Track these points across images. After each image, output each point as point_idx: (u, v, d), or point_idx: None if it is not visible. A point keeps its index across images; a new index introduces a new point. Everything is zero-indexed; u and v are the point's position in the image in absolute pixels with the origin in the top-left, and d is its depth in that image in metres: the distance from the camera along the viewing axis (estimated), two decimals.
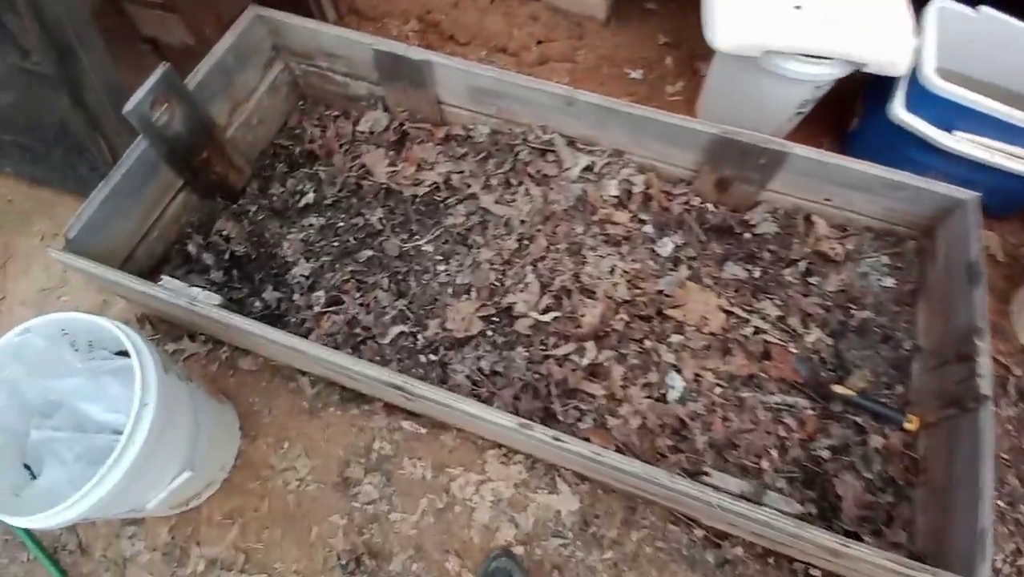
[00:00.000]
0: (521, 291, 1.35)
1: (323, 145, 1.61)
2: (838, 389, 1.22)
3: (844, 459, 1.18)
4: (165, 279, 1.17)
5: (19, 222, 1.65)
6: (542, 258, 1.39)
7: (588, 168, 1.45)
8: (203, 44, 1.45)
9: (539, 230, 1.41)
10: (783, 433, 1.22)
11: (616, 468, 0.97)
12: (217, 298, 1.16)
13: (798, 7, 1.32)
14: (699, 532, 1.21)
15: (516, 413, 1.23)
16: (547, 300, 1.34)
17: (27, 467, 1.04)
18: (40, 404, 1.02)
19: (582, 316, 1.29)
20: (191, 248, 1.44)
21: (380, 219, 1.47)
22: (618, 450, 1.13)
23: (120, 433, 0.89)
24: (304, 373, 1.38)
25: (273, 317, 1.36)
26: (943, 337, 1.19)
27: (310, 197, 1.53)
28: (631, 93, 1.76)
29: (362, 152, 1.57)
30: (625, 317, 1.29)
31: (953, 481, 1.03)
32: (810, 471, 1.18)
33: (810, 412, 1.24)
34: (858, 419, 1.22)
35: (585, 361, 1.26)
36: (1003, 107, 1.23)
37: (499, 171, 1.49)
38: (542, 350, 1.31)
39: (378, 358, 1.28)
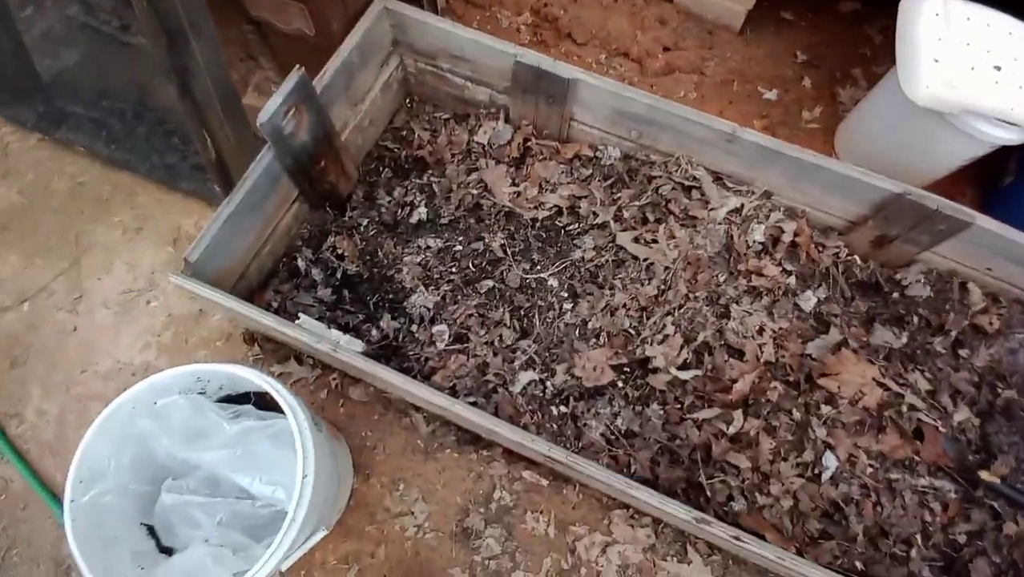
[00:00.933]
0: (660, 343, 1.26)
1: (433, 152, 1.48)
2: (985, 476, 1.16)
3: (977, 544, 1.14)
4: (304, 319, 1.07)
5: (96, 209, 1.52)
6: (681, 307, 1.29)
7: (736, 210, 1.34)
8: (323, 36, 1.30)
9: (680, 276, 1.31)
10: (927, 518, 1.16)
11: (780, 562, 0.92)
12: (359, 344, 1.07)
13: (998, 67, 1.19)
14: None
15: (655, 479, 1.17)
16: (687, 355, 1.26)
17: (148, 527, 0.96)
18: (173, 464, 0.93)
19: (732, 381, 1.21)
20: (300, 263, 1.33)
21: (501, 245, 1.37)
22: (773, 529, 1.07)
23: (261, 495, 0.82)
24: (418, 409, 1.30)
25: (391, 349, 1.27)
26: None
27: (423, 212, 1.41)
28: (764, 115, 1.62)
29: (480, 167, 1.44)
30: (779, 387, 1.21)
31: None
32: (948, 556, 1.14)
33: (953, 495, 1.18)
34: (995, 504, 1.17)
35: (732, 430, 1.19)
36: None
37: (634, 203, 1.37)
38: (678, 410, 1.23)
39: (512, 409, 1.20)
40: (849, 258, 1.36)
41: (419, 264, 1.35)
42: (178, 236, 1.46)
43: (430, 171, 1.46)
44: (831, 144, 1.60)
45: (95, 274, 1.44)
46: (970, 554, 1.14)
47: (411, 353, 1.26)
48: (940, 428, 1.22)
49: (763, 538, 0.96)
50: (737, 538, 0.92)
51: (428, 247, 1.37)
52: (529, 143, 1.45)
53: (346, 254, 1.34)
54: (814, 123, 1.62)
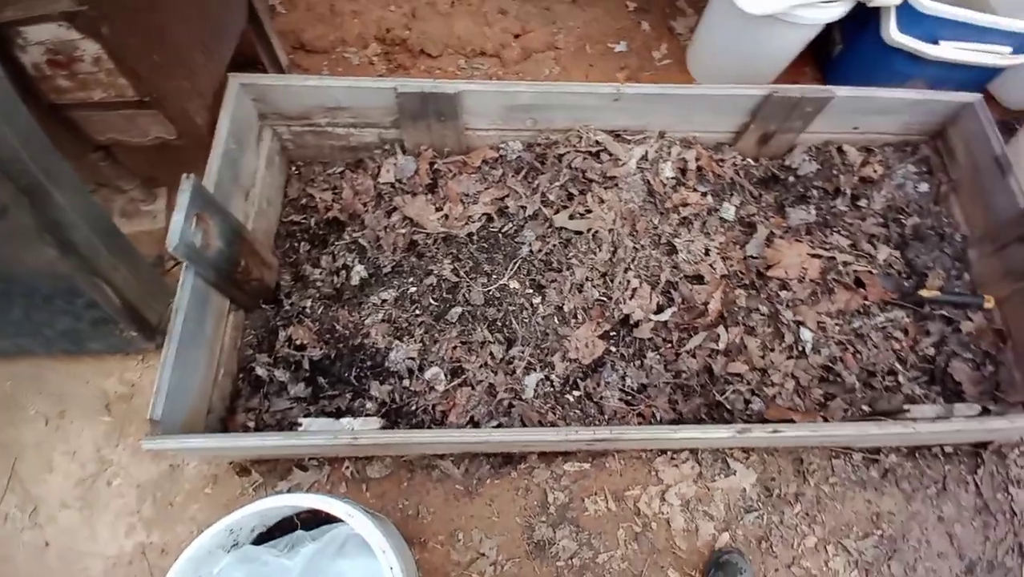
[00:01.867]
0: (631, 298, 1.33)
1: (344, 208, 1.43)
2: (926, 293, 1.37)
3: (946, 348, 1.35)
4: (306, 421, 1.00)
5: (5, 410, 1.30)
6: (635, 260, 1.38)
7: (643, 157, 1.44)
8: (187, 135, 1.20)
9: (622, 233, 1.39)
10: (896, 347, 1.35)
11: (815, 434, 1.04)
12: (376, 421, 1.02)
13: None
14: (856, 456, 1.33)
15: (680, 415, 1.25)
16: (658, 299, 1.34)
17: None
18: None
19: (704, 304, 1.31)
20: (260, 371, 1.24)
21: (452, 270, 1.36)
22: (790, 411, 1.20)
23: None
24: (443, 456, 1.28)
25: (395, 412, 1.23)
26: (989, 224, 1.37)
27: (361, 270, 1.36)
28: (623, 67, 1.75)
29: (398, 204, 1.42)
30: (741, 292, 1.34)
31: None
32: (928, 369, 1.34)
33: (907, 320, 1.38)
34: (944, 312, 1.39)
35: (721, 345, 1.30)
36: (981, 15, 1.40)
37: (555, 185, 1.43)
38: (671, 348, 1.32)
39: (535, 414, 1.22)
40: (744, 163, 1.52)
41: (383, 320, 1.31)
42: (108, 401, 1.29)
43: (349, 228, 1.42)
44: (687, 72, 1.76)
45: (38, 478, 1.24)
46: (944, 360, 1.34)
47: (416, 407, 1.23)
48: (872, 271, 1.42)
49: (793, 422, 1.07)
50: (775, 431, 1.02)
51: (384, 300, 1.33)
52: (435, 165, 1.45)
53: (305, 342, 1.27)
54: (666, 59, 1.77)
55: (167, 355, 1.00)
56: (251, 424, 1.21)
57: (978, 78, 1.63)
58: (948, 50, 1.47)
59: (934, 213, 1.49)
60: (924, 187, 1.51)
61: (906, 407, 1.07)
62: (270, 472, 1.25)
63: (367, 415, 1.21)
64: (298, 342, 1.26)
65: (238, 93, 1.23)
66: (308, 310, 1.32)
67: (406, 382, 1.25)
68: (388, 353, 1.27)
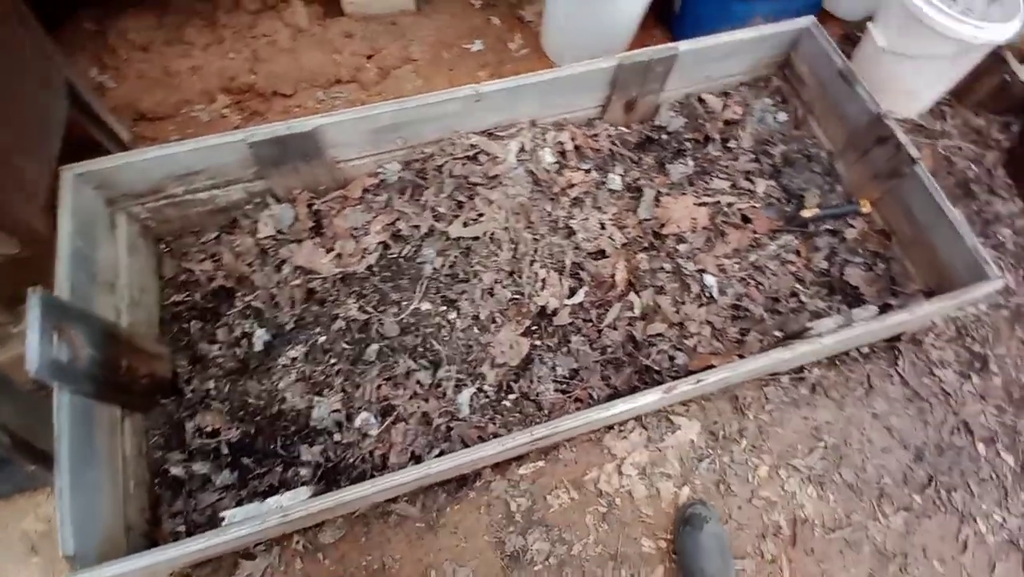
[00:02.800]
0: (543, 289, 1.33)
1: (228, 275, 1.35)
2: (806, 213, 1.45)
3: (838, 258, 1.44)
4: (229, 514, 0.93)
5: None
6: (536, 250, 1.38)
7: (521, 150, 1.44)
8: (30, 242, 1.09)
9: (518, 228, 1.38)
10: (792, 268, 1.43)
11: (737, 371, 1.08)
12: (304, 490, 0.97)
13: None
14: (784, 379, 1.40)
15: (616, 389, 1.27)
16: (567, 282, 1.35)
17: None
18: None
19: (611, 277, 1.34)
20: (175, 470, 1.15)
21: (359, 308, 1.32)
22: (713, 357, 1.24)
23: None
24: (395, 500, 1.23)
25: (333, 470, 1.17)
26: (848, 135, 1.47)
27: (262, 334, 1.29)
28: (483, 65, 1.74)
29: (285, 256, 1.35)
30: (642, 256, 1.37)
31: (923, 227, 1.33)
32: (825, 282, 1.42)
33: (797, 242, 1.46)
34: (828, 226, 1.48)
35: (637, 311, 1.32)
36: None
37: (441, 196, 1.40)
38: (592, 327, 1.33)
39: (475, 430, 1.20)
40: (618, 132, 1.56)
41: (297, 380, 1.24)
42: (33, 542, 1.17)
43: (239, 293, 1.34)
44: (545, 56, 1.78)
45: None
46: (838, 270, 1.42)
47: (353, 459, 1.18)
48: (755, 205, 1.49)
49: (713, 367, 1.10)
50: (698, 380, 1.05)
51: (294, 359, 1.26)
52: (314, 206, 1.39)
53: (217, 427, 1.19)
54: (523, 49, 1.78)
55: (61, 487, 0.90)
56: (181, 529, 1.12)
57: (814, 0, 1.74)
58: None
59: (797, 137, 1.58)
60: (783, 116, 1.60)
61: (809, 325, 1.12)
62: (215, 571, 1.16)
63: (303, 483, 1.15)
64: (209, 429, 1.18)
65: (75, 185, 1.13)
66: (213, 392, 1.23)
67: (337, 436, 1.20)
68: (310, 412, 1.21)
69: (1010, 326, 1.53)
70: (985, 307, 1.55)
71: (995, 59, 1.76)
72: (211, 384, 1.24)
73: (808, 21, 1.46)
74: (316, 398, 1.22)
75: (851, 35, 1.93)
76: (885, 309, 1.36)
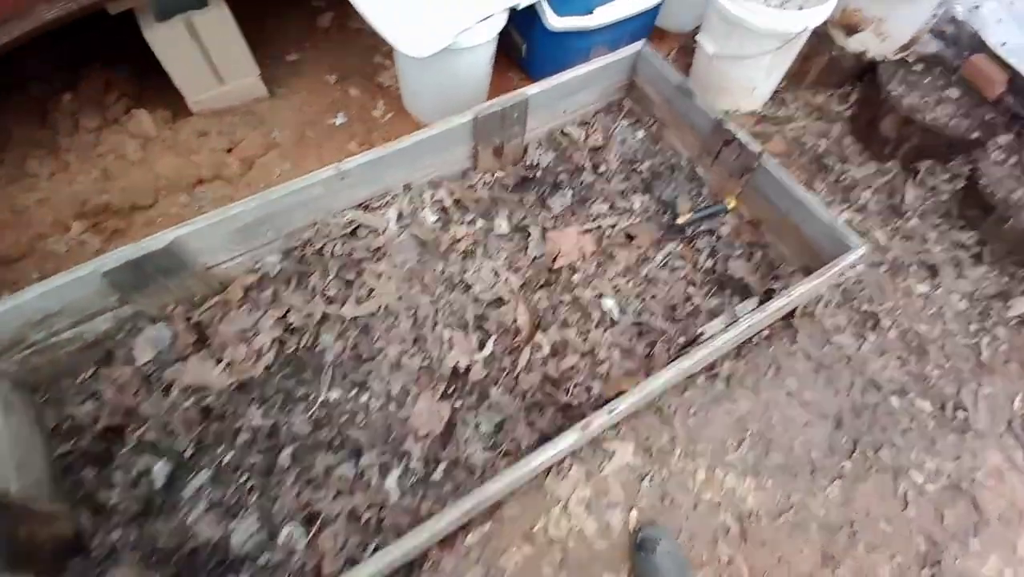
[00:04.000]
0: (451, 349, 1.32)
1: (113, 412, 1.25)
2: (681, 220, 1.53)
3: (719, 255, 1.52)
4: None
5: None
6: (437, 312, 1.37)
7: (400, 216, 1.44)
8: None
9: (413, 294, 1.37)
10: (681, 274, 1.50)
11: (648, 389, 1.11)
12: None
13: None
14: (700, 379, 1.44)
15: (542, 433, 1.27)
16: (474, 336, 1.35)
17: None
18: None
19: (515, 322, 1.34)
20: None
21: (262, 414, 1.25)
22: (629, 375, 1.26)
23: None
24: None
25: None
26: (700, 141, 1.57)
27: (161, 468, 1.20)
28: (351, 137, 1.74)
29: (172, 379, 1.27)
30: (541, 294, 1.39)
31: (784, 212, 1.43)
32: (714, 280, 1.50)
33: (679, 248, 1.54)
34: (703, 227, 1.56)
35: (547, 350, 1.33)
36: None
37: (328, 279, 1.37)
38: (507, 376, 1.33)
39: (407, 515, 1.15)
40: (493, 178, 1.59)
41: (207, 509, 1.15)
42: None
43: (128, 428, 1.24)
44: (411, 117, 1.80)
45: None
46: (722, 266, 1.49)
47: None
48: (635, 221, 1.56)
49: (623, 392, 1.12)
50: (610, 411, 1.07)
51: (199, 487, 1.17)
52: (192, 319, 1.32)
53: None
54: (387, 113, 1.80)
55: None
56: None
57: (646, 21, 1.86)
58: (602, 15, 1.67)
59: (658, 151, 1.68)
60: (640, 134, 1.69)
61: (701, 330, 1.17)
62: None
63: None
64: None
65: None
66: (119, 543, 1.12)
67: (262, 559, 1.12)
68: (229, 540, 1.13)
69: (891, 280, 1.65)
70: (863, 267, 1.67)
71: (820, 38, 1.93)
72: (117, 534, 1.13)
73: (639, 46, 1.57)
74: (232, 522, 1.14)
75: (687, 46, 2.09)
76: (770, 293, 1.44)
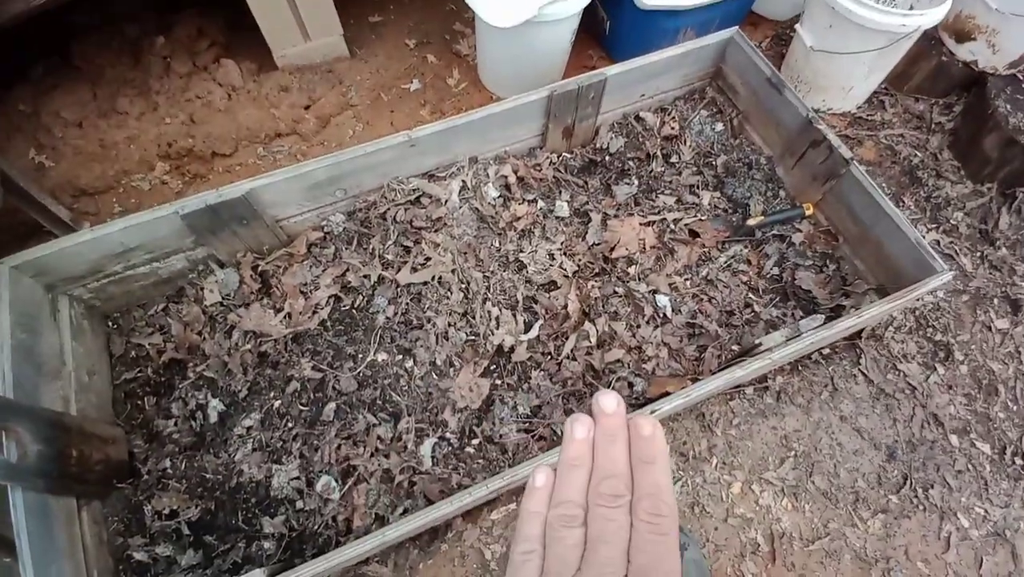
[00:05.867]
0: (497, 327, 1.32)
1: (178, 346, 1.33)
2: (752, 222, 1.45)
3: (788, 263, 1.44)
4: None
5: None
6: (488, 288, 1.37)
7: (463, 188, 1.43)
8: None
9: (467, 268, 1.38)
10: (744, 278, 1.43)
11: (690, 397, 1.07)
12: (260, 573, 0.94)
13: None
14: (748, 391, 1.39)
15: None
16: (521, 318, 1.34)
17: None
18: None
19: (564, 308, 1.33)
20: (139, 555, 1.12)
21: (313, 367, 1.30)
22: (672, 376, 1.23)
23: None
24: (367, 561, 1.21)
25: (297, 539, 1.15)
26: (784, 140, 1.48)
27: (216, 404, 1.27)
28: (423, 103, 1.74)
29: (234, 321, 1.33)
30: (594, 283, 1.37)
31: (866, 225, 1.33)
32: (778, 289, 1.42)
33: (746, 251, 1.47)
34: (775, 232, 1.48)
35: (593, 340, 1.31)
36: None
37: (388, 244, 1.39)
38: (551, 360, 1.32)
39: (438, 483, 1.18)
40: (561, 159, 1.56)
41: (254, 449, 1.22)
42: None
43: (190, 364, 1.32)
44: (484, 89, 1.78)
45: None
46: (789, 275, 1.42)
47: (317, 527, 1.16)
48: (702, 218, 1.49)
49: (668, 394, 1.10)
50: (653, 411, 1.04)
51: (249, 428, 1.24)
52: (259, 267, 1.38)
53: (175, 507, 1.16)
54: (461, 83, 1.79)
55: None
56: None
57: (741, 5, 1.76)
58: None
59: (736, 146, 1.59)
60: (719, 126, 1.61)
61: (758, 341, 1.12)
62: None
63: (267, 556, 1.12)
64: (167, 510, 1.15)
65: (12, 277, 1.11)
66: (170, 470, 1.21)
67: (299, 504, 1.18)
68: (270, 482, 1.19)
69: (971, 311, 1.54)
70: (943, 294, 1.55)
71: (929, 41, 1.78)
72: (167, 462, 1.22)
73: (732, 32, 1.47)
74: (274, 467, 1.20)
75: (783, 35, 1.95)
76: (838, 310, 1.36)
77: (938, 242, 1.63)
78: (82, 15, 1.63)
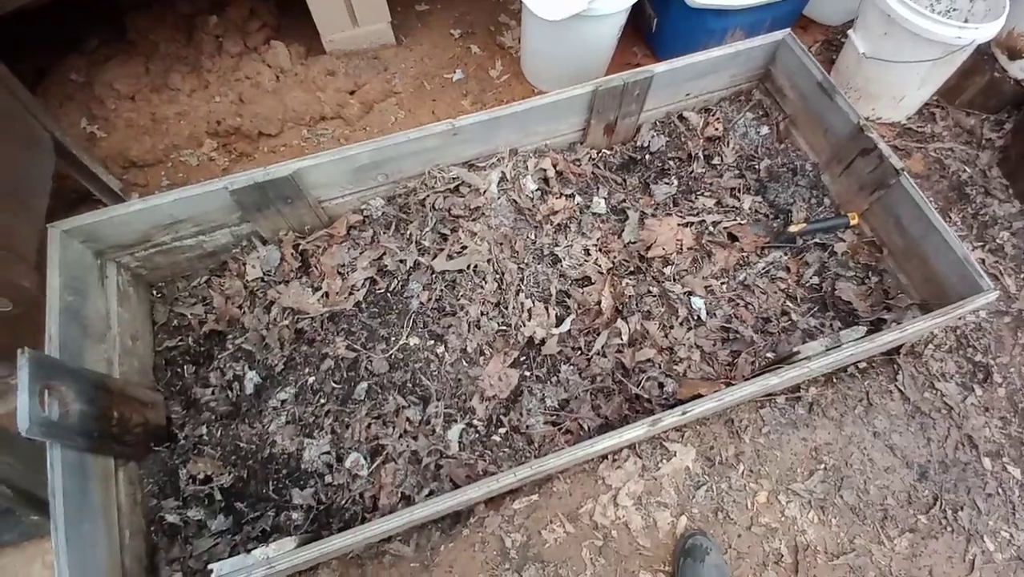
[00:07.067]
0: (529, 319, 1.33)
1: (219, 318, 1.37)
2: (794, 228, 1.43)
3: (829, 273, 1.42)
4: (217, 566, 0.93)
5: None
6: (522, 280, 1.37)
7: (502, 179, 1.44)
8: (21, 302, 1.12)
9: (502, 258, 1.38)
10: (782, 286, 1.41)
11: (723, 401, 1.06)
12: (289, 541, 0.97)
13: None
14: (780, 400, 1.38)
15: (606, 419, 1.26)
16: (554, 311, 1.35)
17: None
18: None
19: (597, 304, 1.33)
20: (171, 517, 1.16)
21: (347, 347, 1.32)
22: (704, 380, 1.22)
23: None
24: (389, 539, 1.23)
25: (325, 513, 1.17)
26: (832, 146, 1.45)
27: (253, 376, 1.30)
28: (465, 94, 1.75)
29: (273, 297, 1.36)
30: (628, 281, 1.36)
31: (913, 238, 1.30)
32: (817, 298, 1.40)
33: (786, 258, 1.44)
34: (817, 240, 1.46)
35: (625, 338, 1.31)
36: None
37: (425, 230, 1.41)
38: (580, 355, 1.32)
39: (464, 468, 1.19)
40: (600, 155, 1.56)
41: (287, 422, 1.25)
42: None
43: (230, 336, 1.35)
44: (526, 82, 1.78)
45: None
46: (829, 285, 1.40)
47: (344, 501, 1.18)
48: (741, 222, 1.47)
49: (700, 396, 1.09)
50: (683, 412, 1.04)
51: (283, 401, 1.27)
52: (300, 246, 1.41)
53: (209, 473, 1.19)
54: (504, 75, 1.79)
55: (58, 543, 0.92)
56: (178, 576, 1.13)
57: (793, 8, 1.73)
58: None
59: (781, 151, 1.56)
60: (765, 129, 1.58)
61: (796, 349, 1.10)
62: None
63: (295, 527, 1.15)
64: (201, 475, 1.18)
65: (62, 241, 1.15)
66: (206, 437, 1.24)
67: (328, 478, 1.20)
68: (301, 455, 1.22)
69: (1013, 334, 1.50)
70: (985, 314, 1.51)
71: (983, 56, 1.73)
72: (204, 429, 1.25)
73: (783, 34, 1.45)
74: (306, 440, 1.23)
75: (834, 40, 1.91)
76: (879, 324, 1.33)
77: (983, 261, 1.58)
78: None
